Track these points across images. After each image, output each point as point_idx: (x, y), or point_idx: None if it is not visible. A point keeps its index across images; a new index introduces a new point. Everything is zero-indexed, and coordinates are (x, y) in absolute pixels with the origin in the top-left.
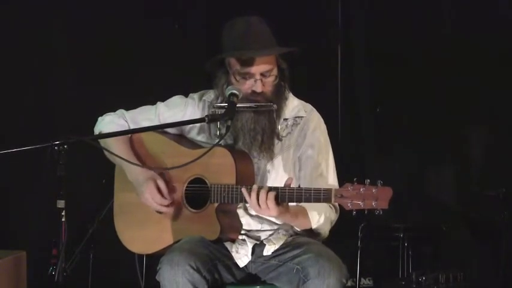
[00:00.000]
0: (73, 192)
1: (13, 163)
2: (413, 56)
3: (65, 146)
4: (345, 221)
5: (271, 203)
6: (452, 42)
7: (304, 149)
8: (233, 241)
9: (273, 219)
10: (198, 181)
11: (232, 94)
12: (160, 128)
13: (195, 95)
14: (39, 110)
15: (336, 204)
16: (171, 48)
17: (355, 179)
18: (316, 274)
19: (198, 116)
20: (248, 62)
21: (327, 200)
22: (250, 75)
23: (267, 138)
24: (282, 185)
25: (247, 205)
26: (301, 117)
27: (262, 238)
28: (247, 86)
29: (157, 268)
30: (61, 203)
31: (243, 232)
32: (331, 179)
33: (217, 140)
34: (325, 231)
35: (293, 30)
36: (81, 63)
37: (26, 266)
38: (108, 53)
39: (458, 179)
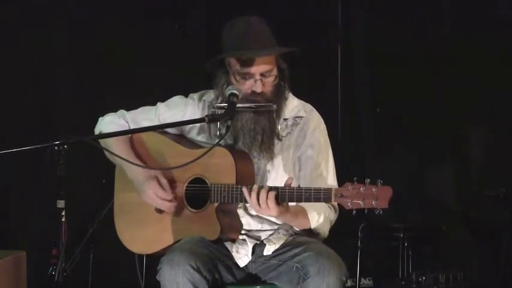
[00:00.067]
0: (73, 192)
1: (13, 163)
2: (413, 56)
3: (65, 146)
4: (345, 221)
5: (272, 202)
6: (452, 42)
7: (304, 149)
8: (233, 241)
9: (273, 219)
10: (198, 181)
11: (232, 94)
12: (160, 128)
13: (195, 95)
14: (39, 110)
15: (335, 204)
16: (171, 48)
17: (355, 179)
18: (316, 272)
19: (198, 116)
20: (248, 62)
21: (327, 199)
22: (250, 76)
23: (267, 138)
24: (282, 185)
25: (248, 205)
26: (301, 117)
27: (262, 238)
28: (247, 86)
29: (158, 268)
30: (61, 203)
31: (243, 232)
32: (330, 179)
33: (217, 140)
34: (325, 231)
35: (293, 30)
36: (81, 63)
37: (26, 266)
38: (108, 53)
39: (458, 179)
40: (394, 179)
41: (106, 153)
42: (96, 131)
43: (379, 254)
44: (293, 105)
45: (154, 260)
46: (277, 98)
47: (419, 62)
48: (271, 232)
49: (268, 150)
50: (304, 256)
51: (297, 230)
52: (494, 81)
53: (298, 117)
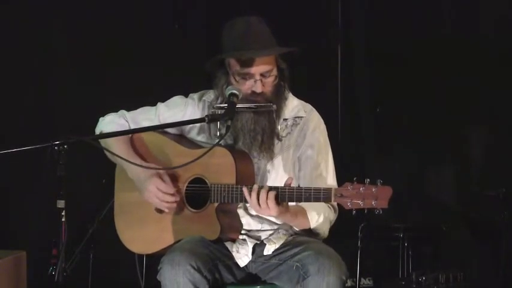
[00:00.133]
0: (73, 192)
1: (13, 163)
2: (413, 56)
3: (65, 146)
4: (345, 221)
5: (272, 202)
6: (452, 42)
7: (303, 149)
8: (233, 241)
9: (273, 219)
10: (198, 181)
11: (232, 94)
12: (160, 128)
13: (195, 95)
14: (39, 110)
15: (335, 204)
16: (171, 48)
17: (354, 179)
18: (316, 271)
19: (198, 116)
20: (248, 63)
21: (326, 199)
22: (250, 76)
23: (267, 138)
24: (282, 185)
25: (248, 205)
26: (301, 117)
27: (262, 238)
28: (247, 86)
29: (158, 268)
30: (61, 203)
31: (243, 232)
32: (330, 179)
33: (217, 140)
34: (324, 231)
35: (293, 30)
36: (81, 63)
37: (26, 266)
38: (108, 53)
39: (458, 179)
40: (394, 179)
41: (106, 152)
42: (97, 131)
43: (379, 254)
44: (293, 105)
45: (154, 260)
46: (277, 98)
47: (419, 62)
48: (271, 232)
49: (268, 150)
50: (304, 255)
51: (297, 230)
52: (494, 81)
53: (298, 117)
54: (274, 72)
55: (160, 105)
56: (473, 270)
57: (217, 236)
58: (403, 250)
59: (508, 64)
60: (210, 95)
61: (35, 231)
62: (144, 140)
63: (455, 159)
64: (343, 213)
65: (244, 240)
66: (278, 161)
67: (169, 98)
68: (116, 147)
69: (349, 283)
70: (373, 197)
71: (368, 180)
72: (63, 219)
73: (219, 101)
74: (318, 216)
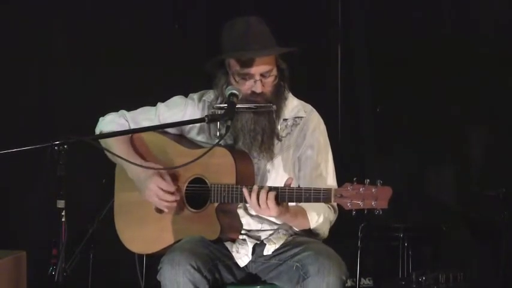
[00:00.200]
0: (73, 192)
1: (13, 163)
2: (413, 56)
3: (65, 146)
4: (345, 221)
5: (272, 203)
6: (452, 42)
7: (303, 150)
8: (233, 241)
9: (273, 219)
10: (198, 181)
11: (232, 94)
12: (160, 128)
13: (195, 95)
14: (39, 110)
15: (335, 204)
16: (171, 48)
17: (354, 179)
18: (316, 271)
19: (197, 116)
20: (248, 63)
21: (326, 199)
22: (250, 76)
23: (267, 139)
24: (282, 185)
25: (247, 205)
26: (301, 117)
27: (262, 238)
28: (247, 86)
29: (158, 268)
30: (61, 203)
31: (243, 232)
32: (330, 179)
33: (217, 140)
34: (324, 231)
35: (293, 30)
36: (81, 63)
37: (26, 266)
38: (108, 53)
39: (458, 179)
40: (394, 179)
41: (106, 152)
42: (97, 131)
43: (379, 254)
44: (293, 106)
45: (154, 260)
46: (277, 98)
47: (419, 62)
48: (271, 232)
49: (268, 150)
50: (304, 255)
51: (297, 230)
52: (494, 81)
53: (298, 117)
54: (274, 72)
55: (160, 105)
56: (473, 270)
57: (217, 236)
58: (403, 250)
59: (508, 64)
60: (210, 95)
61: (35, 231)
62: (144, 140)
63: (455, 159)
64: (343, 214)
65: (244, 240)
66: (278, 161)
67: (169, 98)
68: (116, 147)
69: (349, 283)
70: (372, 197)
71: (368, 180)
72: (63, 219)
73: (218, 101)
74: (318, 217)
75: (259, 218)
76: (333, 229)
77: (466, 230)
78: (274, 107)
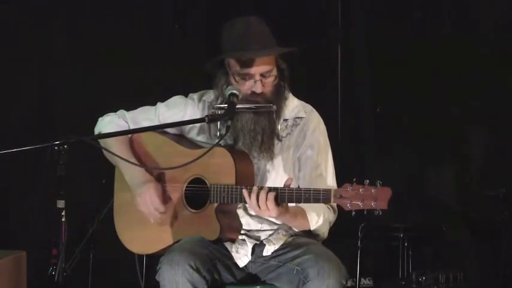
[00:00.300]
0: (73, 192)
1: (13, 163)
2: (413, 56)
3: (65, 146)
4: (345, 221)
5: (271, 203)
6: (452, 42)
7: (303, 150)
8: (233, 241)
9: (273, 219)
10: (197, 181)
11: (232, 94)
12: (160, 128)
13: (195, 95)
14: (39, 110)
15: (334, 205)
16: (171, 48)
17: (354, 180)
18: (315, 275)
19: (197, 116)
20: (248, 63)
21: (326, 200)
22: (250, 76)
23: (267, 139)
24: (282, 185)
25: (247, 205)
26: (301, 117)
27: (262, 238)
28: (247, 86)
29: (157, 268)
30: (61, 203)
31: (242, 232)
32: (330, 180)
33: (217, 140)
34: (324, 232)
35: (293, 30)
36: (81, 63)
37: (26, 266)
38: (108, 53)
39: (458, 179)
40: (394, 179)
41: (105, 154)
42: (96, 131)
43: (379, 254)
44: (293, 106)
45: (154, 260)
46: (277, 98)
47: (419, 62)
48: (270, 232)
49: (268, 150)
50: (304, 259)
51: (296, 230)
52: (494, 81)
53: (298, 117)
54: (274, 72)
55: (160, 105)
56: (473, 270)
57: (216, 236)
58: (403, 250)
59: (508, 64)
60: (210, 95)
61: (35, 231)
62: (144, 141)
63: (455, 159)
64: (342, 214)
65: (243, 240)
66: (278, 161)
67: (169, 98)
68: (115, 149)
69: (349, 283)
70: (372, 198)
71: (367, 181)
72: (63, 219)
73: (219, 101)
74: (318, 218)
75: (258, 218)
76: (332, 229)
77: (466, 230)
78: (275, 107)
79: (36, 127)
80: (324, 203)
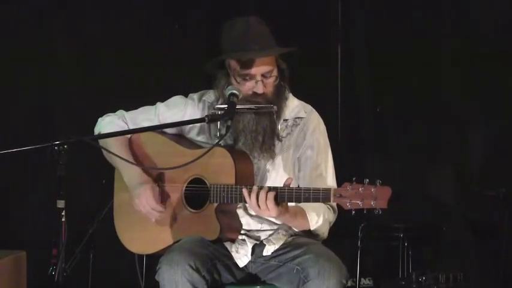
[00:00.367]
0: (73, 192)
1: (13, 163)
2: (413, 56)
3: (65, 146)
4: (345, 221)
5: (271, 203)
6: (452, 42)
7: (303, 150)
8: (233, 241)
9: (273, 219)
10: (197, 181)
11: (232, 94)
12: (160, 128)
13: (195, 95)
14: (39, 110)
15: (334, 205)
16: (171, 48)
17: (354, 179)
18: (316, 275)
19: (197, 116)
20: (248, 64)
21: (325, 199)
22: (251, 77)
23: (268, 139)
24: (282, 185)
25: (247, 205)
26: (301, 118)
27: (262, 238)
28: (248, 87)
29: (157, 268)
30: (61, 203)
31: (242, 232)
32: (330, 180)
33: (217, 141)
34: (324, 232)
35: (293, 30)
36: (81, 63)
37: (26, 266)
38: (108, 53)
39: (458, 179)
40: (394, 179)
41: (105, 154)
42: (96, 132)
43: (379, 254)
44: (293, 106)
45: (154, 260)
46: (278, 98)
47: (419, 62)
48: (270, 232)
49: (268, 150)
50: (304, 258)
51: (296, 231)
52: (494, 81)
53: (298, 117)
54: (275, 72)
55: (159, 105)
56: (473, 270)
57: (216, 236)
58: (403, 250)
59: (508, 64)
60: (210, 95)
61: (35, 231)
62: (143, 141)
63: (455, 159)
64: (342, 213)
65: (243, 240)
66: (278, 161)
67: (169, 98)
68: (114, 149)
69: (349, 283)
70: (372, 197)
71: (367, 180)
72: (63, 219)
73: (219, 102)
74: (318, 218)
75: (258, 218)
76: (332, 229)
77: (466, 230)
78: (275, 107)
79: (36, 127)
80: (324, 202)
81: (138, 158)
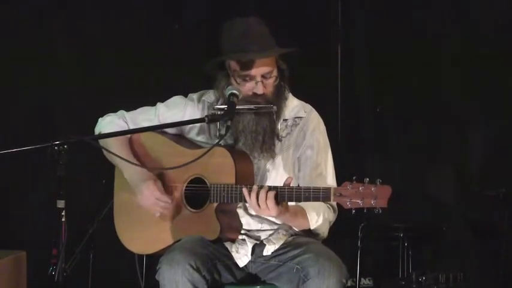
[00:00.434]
0: (73, 192)
1: (13, 163)
2: (413, 56)
3: (65, 146)
4: (345, 221)
5: (271, 202)
6: (452, 42)
7: (303, 150)
8: (233, 241)
9: (273, 219)
10: (197, 181)
11: (232, 94)
12: (160, 128)
13: (195, 96)
14: (39, 110)
15: (334, 204)
16: (171, 48)
17: (354, 178)
18: (316, 274)
19: (197, 116)
20: (248, 65)
21: (326, 198)
22: (251, 77)
23: (268, 139)
24: (282, 185)
25: (247, 205)
26: (301, 117)
27: (262, 238)
28: (248, 88)
29: (157, 267)
30: (61, 203)
31: (243, 232)
32: (330, 179)
33: (217, 141)
34: (324, 231)
35: (293, 30)
36: (81, 63)
37: (26, 266)
38: (108, 53)
39: (458, 179)
40: (394, 178)
41: (105, 154)
42: (96, 132)
43: (379, 254)
44: (293, 105)
45: (154, 260)
46: (278, 98)
47: (419, 62)
48: (271, 232)
49: (269, 150)
50: (304, 257)
51: (297, 230)
52: (494, 81)
53: (298, 117)
54: (275, 73)
55: (159, 105)
56: (473, 270)
57: (216, 236)
58: (403, 250)
59: (508, 64)
60: (209, 95)
61: (35, 231)
62: (143, 141)
63: (455, 159)
64: (343, 213)
65: (243, 240)
66: (278, 160)
67: (169, 98)
68: (114, 149)
69: (349, 283)
70: (372, 196)
71: (367, 179)
72: (63, 219)
73: (219, 102)
74: (318, 217)
75: (259, 218)
76: (332, 229)
77: (466, 230)
78: (275, 107)
79: (36, 127)
80: (324, 201)
81: (139, 157)
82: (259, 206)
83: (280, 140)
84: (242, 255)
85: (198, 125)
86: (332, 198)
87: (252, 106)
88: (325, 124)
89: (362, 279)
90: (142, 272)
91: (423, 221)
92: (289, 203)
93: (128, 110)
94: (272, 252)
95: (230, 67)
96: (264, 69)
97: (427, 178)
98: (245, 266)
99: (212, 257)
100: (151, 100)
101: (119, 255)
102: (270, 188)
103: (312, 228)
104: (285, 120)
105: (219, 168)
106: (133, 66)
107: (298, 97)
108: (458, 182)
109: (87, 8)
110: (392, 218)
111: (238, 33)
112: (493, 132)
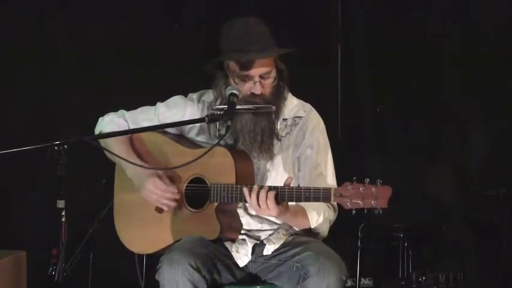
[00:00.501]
0: (73, 192)
1: (13, 163)
2: (413, 56)
3: (65, 146)
4: (345, 221)
5: (271, 202)
6: (452, 42)
7: (303, 149)
8: (233, 241)
9: (273, 219)
10: (197, 181)
11: (232, 94)
12: (160, 128)
13: (194, 95)
14: (39, 110)
15: (335, 203)
16: (171, 48)
17: (354, 178)
18: (316, 272)
19: (197, 116)
20: (247, 65)
21: (326, 199)
22: (250, 78)
23: (267, 139)
24: (282, 185)
25: (247, 205)
26: (300, 117)
27: (262, 238)
28: (247, 88)
29: (157, 267)
30: (61, 203)
31: (243, 232)
32: (330, 179)
33: (217, 140)
34: (324, 230)
35: (293, 30)
36: (81, 63)
37: (26, 266)
38: (108, 53)
39: (458, 179)
40: (394, 178)
41: (106, 153)
42: (96, 131)
43: (379, 254)
44: (292, 105)
45: (154, 260)
46: (276, 98)
47: (419, 62)
48: (271, 232)
49: (267, 150)
50: (304, 256)
51: (297, 230)
52: (494, 81)
53: (298, 117)
54: (273, 73)
55: (159, 105)
56: (473, 270)
57: (216, 235)
58: (403, 250)
59: (508, 64)
60: (209, 95)
61: (35, 231)
62: (144, 140)
63: (455, 159)
64: (343, 213)
65: (243, 240)
66: (278, 160)
67: (169, 98)
68: (115, 147)
69: (349, 283)
70: (372, 196)
71: (368, 180)
72: (63, 219)
73: (218, 102)
74: (318, 216)
75: (259, 218)
76: (332, 229)
77: (466, 230)
78: (274, 107)
79: (36, 127)
80: (324, 201)
81: (139, 157)
82: (259, 206)
83: (279, 140)
84: (242, 255)
85: (198, 125)
86: (332, 198)
87: (250, 106)
88: (325, 124)
89: (362, 279)
90: (142, 272)
91: (423, 221)
92: (289, 203)
93: (128, 110)
94: (272, 252)
95: (229, 67)
96: (262, 70)
97: (427, 178)
98: (245, 265)
99: (212, 257)
100: (151, 100)
101: (119, 255)
102: (271, 188)
103: (312, 227)
104: (285, 119)
105: (219, 168)
106: (133, 66)
107: (298, 97)
108: (458, 182)
109: (87, 8)
110: (392, 218)
111: (238, 33)
112: (493, 132)
